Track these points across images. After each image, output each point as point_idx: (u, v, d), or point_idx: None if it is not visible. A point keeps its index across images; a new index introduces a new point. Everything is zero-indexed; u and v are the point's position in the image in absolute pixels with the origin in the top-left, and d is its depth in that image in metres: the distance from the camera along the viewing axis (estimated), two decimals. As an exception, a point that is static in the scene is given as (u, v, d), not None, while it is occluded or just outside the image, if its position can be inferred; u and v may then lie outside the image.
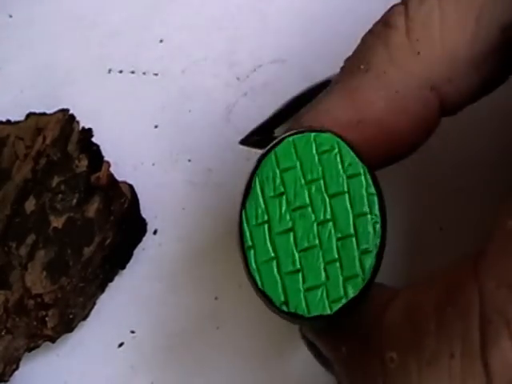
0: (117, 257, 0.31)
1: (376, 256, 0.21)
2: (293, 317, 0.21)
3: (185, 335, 0.31)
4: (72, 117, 0.33)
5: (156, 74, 0.34)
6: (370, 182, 0.22)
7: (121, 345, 0.31)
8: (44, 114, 0.33)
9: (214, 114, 0.33)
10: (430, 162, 0.30)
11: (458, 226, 0.30)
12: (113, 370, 0.31)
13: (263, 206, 0.22)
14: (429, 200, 0.30)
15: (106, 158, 0.32)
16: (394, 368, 0.21)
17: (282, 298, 0.21)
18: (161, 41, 0.35)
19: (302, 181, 0.22)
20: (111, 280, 0.31)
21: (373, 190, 0.22)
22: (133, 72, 0.35)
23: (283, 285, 0.21)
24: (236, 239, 0.22)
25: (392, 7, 0.24)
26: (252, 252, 0.21)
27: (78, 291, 0.31)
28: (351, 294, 0.21)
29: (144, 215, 0.32)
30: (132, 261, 0.32)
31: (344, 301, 0.21)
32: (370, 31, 0.24)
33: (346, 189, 0.21)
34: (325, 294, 0.21)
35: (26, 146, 0.32)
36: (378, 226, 0.21)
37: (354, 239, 0.21)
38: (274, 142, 0.22)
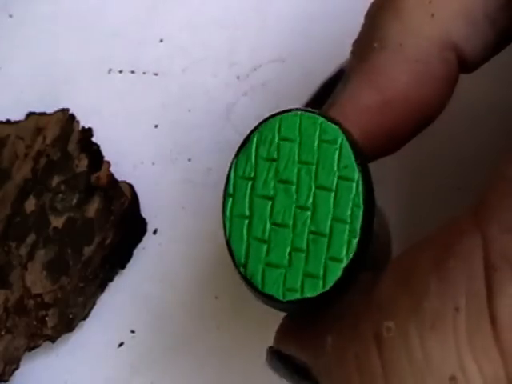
0: (117, 256, 0.31)
1: (344, 270, 0.20)
2: (248, 284, 0.20)
3: (185, 335, 0.31)
4: (72, 116, 0.33)
5: (156, 74, 0.34)
6: (361, 193, 0.20)
7: (121, 345, 0.31)
8: (44, 114, 0.33)
9: (214, 114, 0.33)
10: (429, 162, 0.30)
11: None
12: (113, 369, 0.31)
13: (253, 162, 0.21)
14: (429, 200, 0.30)
15: (105, 158, 0.32)
16: (391, 337, 0.19)
17: (243, 260, 0.20)
18: (161, 41, 0.35)
19: (296, 157, 0.21)
20: (111, 280, 0.31)
21: (360, 202, 0.20)
22: (133, 72, 0.35)
23: (247, 247, 0.20)
24: (224, 186, 0.21)
25: None
26: (230, 200, 0.21)
27: (78, 291, 0.31)
28: (307, 293, 0.20)
29: (144, 215, 0.32)
30: (132, 260, 0.32)
31: (298, 296, 0.20)
32: (374, 5, 0.23)
33: (334, 187, 0.20)
34: (282, 279, 0.20)
35: (26, 146, 0.32)
36: (354, 241, 0.20)
37: (326, 241, 0.20)
38: (284, 110, 0.21)
